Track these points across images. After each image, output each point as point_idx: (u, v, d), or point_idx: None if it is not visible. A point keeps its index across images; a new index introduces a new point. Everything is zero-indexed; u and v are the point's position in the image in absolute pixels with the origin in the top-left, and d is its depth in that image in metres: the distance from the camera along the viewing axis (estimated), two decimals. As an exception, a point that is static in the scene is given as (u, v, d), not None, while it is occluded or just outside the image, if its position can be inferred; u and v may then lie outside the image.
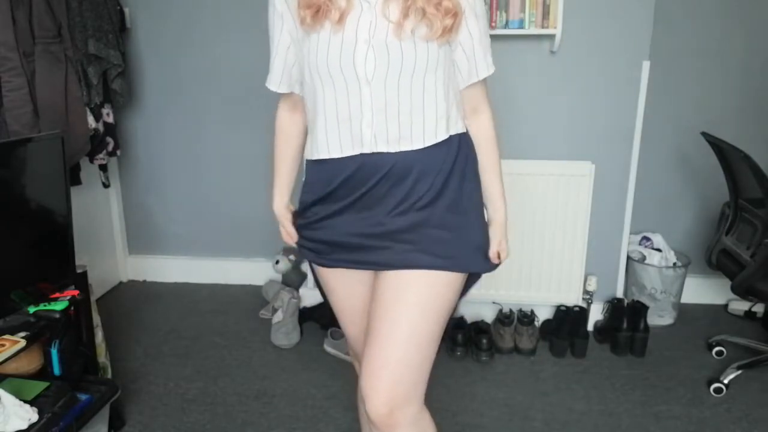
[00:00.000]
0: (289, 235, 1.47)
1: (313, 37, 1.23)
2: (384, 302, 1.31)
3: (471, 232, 1.34)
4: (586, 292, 2.71)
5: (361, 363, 1.46)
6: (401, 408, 1.26)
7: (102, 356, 2.17)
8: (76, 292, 1.95)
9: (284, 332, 2.64)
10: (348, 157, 1.26)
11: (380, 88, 1.21)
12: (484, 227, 1.37)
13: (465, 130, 1.34)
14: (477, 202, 1.36)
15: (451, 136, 1.29)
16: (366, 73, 1.20)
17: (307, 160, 1.39)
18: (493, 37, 1.36)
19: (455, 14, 1.21)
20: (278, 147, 1.47)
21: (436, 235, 1.29)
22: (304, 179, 1.41)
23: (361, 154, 1.25)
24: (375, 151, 1.24)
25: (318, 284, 1.53)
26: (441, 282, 1.30)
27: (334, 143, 1.27)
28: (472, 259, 1.34)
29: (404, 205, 1.27)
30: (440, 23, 1.19)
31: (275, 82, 1.38)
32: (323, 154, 1.29)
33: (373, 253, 1.31)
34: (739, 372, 2.35)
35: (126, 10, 2.87)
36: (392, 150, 1.24)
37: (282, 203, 1.50)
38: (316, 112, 1.28)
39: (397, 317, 1.28)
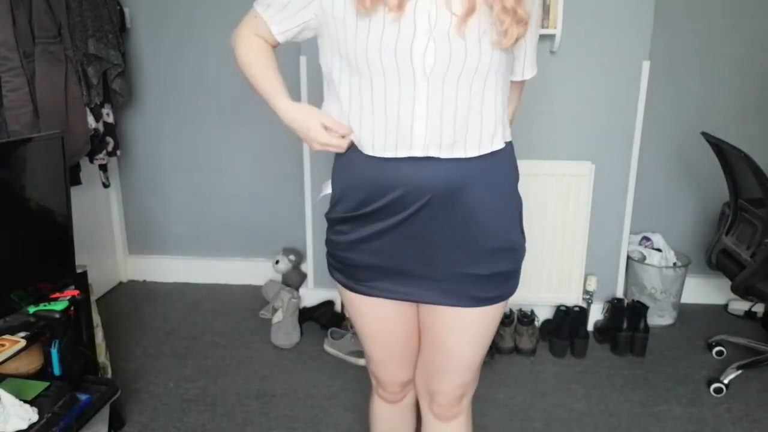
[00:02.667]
0: (335, 127, 1.18)
1: (362, 24, 1.09)
2: (439, 336, 1.32)
3: (520, 254, 1.29)
4: (586, 292, 2.71)
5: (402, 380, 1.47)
6: None
7: (102, 356, 2.17)
8: (76, 292, 1.95)
9: (284, 332, 2.64)
10: (394, 160, 1.14)
11: (438, 85, 1.10)
12: (524, 242, 1.31)
13: (511, 138, 1.27)
14: (521, 217, 1.29)
15: (506, 143, 1.22)
16: (425, 68, 1.08)
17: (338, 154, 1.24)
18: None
19: (526, 23, 1.12)
20: (261, 65, 1.25)
21: (496, 268, 1.24)
22: (332, 177, 1.28)
23: (410, 159, 1.13)
24: (426, 155, 1.13)
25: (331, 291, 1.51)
26: (497, 311, 1.31)
27: (379, 141, 1.14)
28: (518, 278, 1.32)
29: (465, 235, 1.19)
30: (515, 31, 1.10)
31: (281, 33, 1.21)
32: (366, 150, 1.16)
33: (422, 285, 1.24)
34: (739, 372, 2.35)
35: (126, 10, 2.87)
36: (444, 156, 1.13)
37: (287, 100, 1.23)
38: (362, 106, 1.14)
39: (456, 351, 1.33)
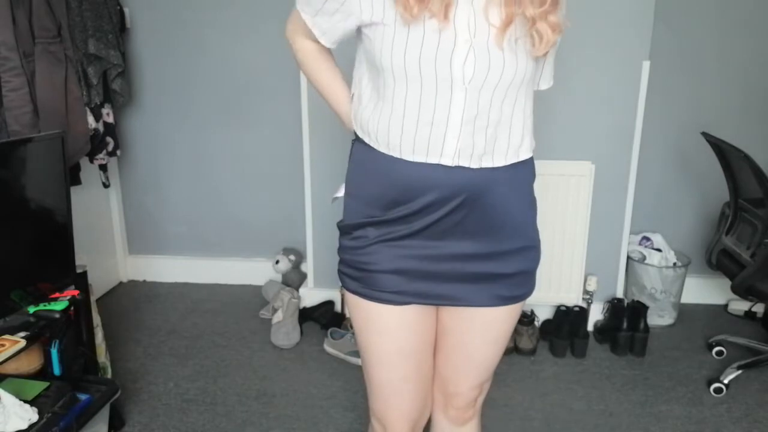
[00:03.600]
0: None
1: (401, 30, 1.08)
2: (461, 337, 1.31)
3: (539, 252, 1.30)
4: (586, 292, 2.71)
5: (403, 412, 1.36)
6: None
7: (102, 356, 2.17)
8: (76, 292, 1.95)
9: (284, 332, 2.64)
10: (421, 165, 1.13)
11: (475, 94, 1.09)
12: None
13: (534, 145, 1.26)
14: (536, 213, 1.30)
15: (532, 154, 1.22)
16: (464, 77, 1.08)
17: (359, 144, 1.20)
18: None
19: (561, 30, 1.12)
20: (319, 68, 1.28)
21: (520, 267, 1.25)
22: (350, 183, 1.24)
23: (441, 166, 1.12)
24: (457, 164, 1.12)
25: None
26: (518, 310, 1.31)
27: (408, 146, 1.13)
28: (535, 277, 1.32)
29: (493, 234, 1.20)
30: (551, 38, 1.10)
31: (332, 41, 1.22)
32: (393, 152, 1.15)
33: (449, 287, 1.22)
34: (739, 372, 2.35)
35: (126, 10, 2.86)
36: (474, 166, 1.13)
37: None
38: (394, 109, 1.13)
39: (477, 352, 1.33)
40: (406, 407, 1.34)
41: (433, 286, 1.22)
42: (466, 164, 1.13)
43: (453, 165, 1.12)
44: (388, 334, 1.26)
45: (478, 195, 1.15)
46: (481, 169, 1.14)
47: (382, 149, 1.16)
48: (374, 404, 1.37)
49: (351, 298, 1.27)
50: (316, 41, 1.24)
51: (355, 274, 1.24)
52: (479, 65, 1.08)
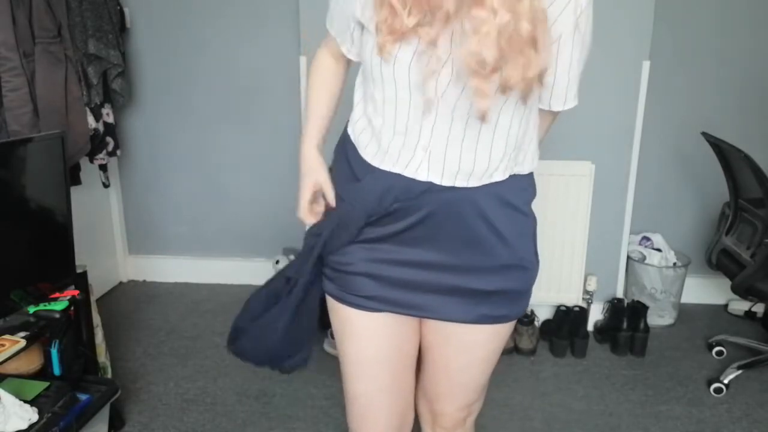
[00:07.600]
0: (325, 194, 1.21)
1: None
2: (445, 357, 1.26)
3: (530, 273, 1.21)
4: (586, 292, 2.71)
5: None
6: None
7: (102, 356, 2.17)
8: (76, 292, 1.95)
9: (284, 332, 2.64)
10: (388, 174, 1.10)
11: (448, 110, 1.04)
12: (537, 262, 1.23)
13: (534, 168, 1.18)
14: (534, 236, 1.22)
15: (513, 175, 1.13)
16: (437, 89, 1.03)
17: (350, 143, 1.18)
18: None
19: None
20: (315, 87, 1.27)
21: (502, 285, 1.17)
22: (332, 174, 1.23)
23: (407, 178, 1.09)
24: (425, 179, 1.08)
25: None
26: (503, 330, 1.24)
27: (379, 153, 1.12)
28: (528, 299, 1.25)
29: (469, 248, 1.13)
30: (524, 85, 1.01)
31: (350, 52, 1.21)
32: (366, 157, 1.14)
33: (425, 297, 1.17)
34: (739, 372, 2.35)
35: (126, 10, 2.86)
36: (446, 183, 1.09)
37: (312, 145, 1.24)
38: (374, 114, 1.12)
39: (460, 373, 1.28)
40: (383, 422, 1.29)
41: (409, 296, 1.17)
42: (436, 180, 1.08)
43: (420, 179, 1.09)
44: (361, 340, 1.23)
45: (447, 209, 1.11)
46: (453, 187, 1.09)
47: (360, 151, 1.15)
48: (350, 419, 1.32)
49: (329, 301, 1.25)
50: (337, 58, 1.24)
51: (332, 275, 1.21)
52: (455, 80, 1.02)
